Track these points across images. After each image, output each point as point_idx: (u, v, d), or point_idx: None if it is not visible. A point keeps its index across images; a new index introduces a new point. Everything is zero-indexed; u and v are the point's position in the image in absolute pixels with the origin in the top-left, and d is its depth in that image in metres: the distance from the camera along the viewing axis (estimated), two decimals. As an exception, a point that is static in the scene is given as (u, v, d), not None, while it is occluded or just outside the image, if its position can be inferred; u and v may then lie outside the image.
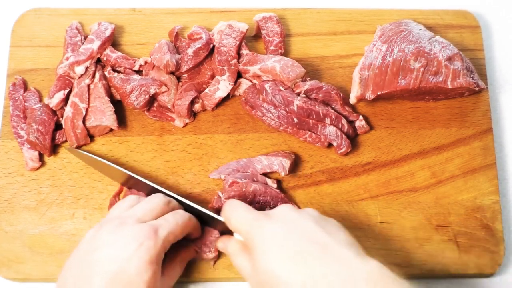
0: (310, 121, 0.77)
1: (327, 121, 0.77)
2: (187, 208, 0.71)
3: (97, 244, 0.63)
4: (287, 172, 0.75)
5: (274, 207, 0.74)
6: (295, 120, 0.76)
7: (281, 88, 0.77)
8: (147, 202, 0.68)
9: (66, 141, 0.77)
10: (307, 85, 0.77)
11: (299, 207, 0.76)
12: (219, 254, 0.73)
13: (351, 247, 0.59)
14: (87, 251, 0.64)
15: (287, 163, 0.75)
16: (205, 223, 0.72)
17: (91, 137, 0.78)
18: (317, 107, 0.77)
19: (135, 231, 0.63)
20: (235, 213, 0.66)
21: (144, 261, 0.62)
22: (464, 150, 0.79)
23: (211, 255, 0.72)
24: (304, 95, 0.77)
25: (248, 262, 0.64)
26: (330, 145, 0.78)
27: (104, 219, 0.68)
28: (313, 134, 0.77)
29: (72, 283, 0.62)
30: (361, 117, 0.79)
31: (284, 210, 0.64)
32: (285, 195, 0.75)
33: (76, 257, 0.64)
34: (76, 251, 0.65)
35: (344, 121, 0.77)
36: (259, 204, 0.74)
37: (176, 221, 0.67)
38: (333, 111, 0.77)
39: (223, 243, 0.70)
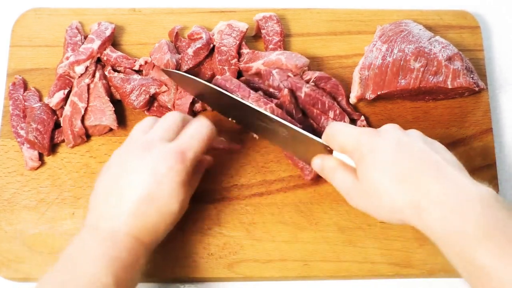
0: (315, 110, 0.76)
1: (331, 114, 0.77)
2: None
3: (127, 170, 0.64)
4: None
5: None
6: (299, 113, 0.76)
7: (289, 74, 0.77)
8: (165, 120, 0.68)
9: (64, 140, 0.77)
10: (317, 73, 0.77)
11: None
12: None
13: (461, 170, 0.60)
14: (117, 176, 0.64)
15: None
16: None
17: (89, 137, 0.78)
18: (324, 97, 0.76)
19: (164, 155, 0.63)
20: (342, 129, 0.65)
21: (176, 183, 0.63)
22: (464, 150, 0.79)
23: (310, 176, 0.74)
24: (313, 83, 0.77)
25: (350, 175, 0.64)
26: (330, 145, 0.78)
27: (128, 139, 0.68)
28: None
29: (103, 206, 0.63)
30: (362, 117, 0.79)
31: (392, 128, 0.64)
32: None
33: (107, 179, 0.65)
34: (105, 173, 0.65)
35: (347, 119, 0.77)
36: None
37: (202, 138, 0.66)
38: (338, 106, 0.77)
39: (321, 159, 0.68)
